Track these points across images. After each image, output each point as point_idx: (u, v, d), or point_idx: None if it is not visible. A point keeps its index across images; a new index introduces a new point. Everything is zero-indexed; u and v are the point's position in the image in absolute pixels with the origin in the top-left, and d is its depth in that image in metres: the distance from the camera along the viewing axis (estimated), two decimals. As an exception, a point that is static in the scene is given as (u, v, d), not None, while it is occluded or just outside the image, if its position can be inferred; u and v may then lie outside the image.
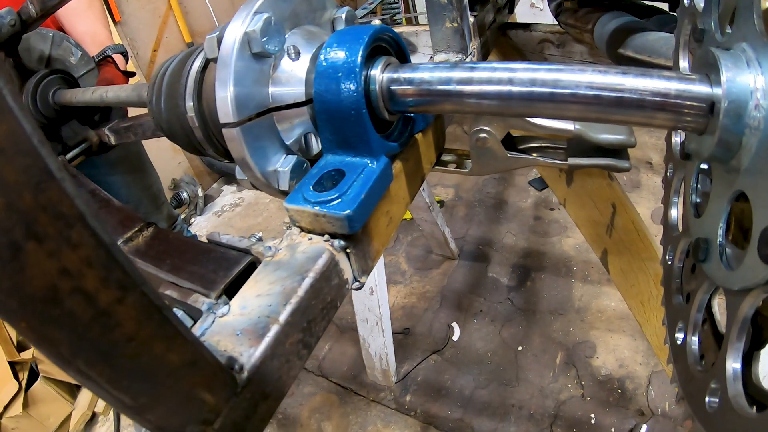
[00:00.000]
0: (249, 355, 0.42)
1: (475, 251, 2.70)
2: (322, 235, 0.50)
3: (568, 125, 0.64)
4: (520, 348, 2.21)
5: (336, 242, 0.49)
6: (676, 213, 0.67)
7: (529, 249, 2.63)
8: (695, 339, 0.54)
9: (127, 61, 1.61)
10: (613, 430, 1.86)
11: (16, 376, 2.26)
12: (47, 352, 0.25)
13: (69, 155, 1.30)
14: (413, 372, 2.22)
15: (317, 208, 0.47)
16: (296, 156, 0.55)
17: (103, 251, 0.26)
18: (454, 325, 2.36)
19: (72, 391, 2.50)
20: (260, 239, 0.57)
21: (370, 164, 0.50)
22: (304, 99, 0.53)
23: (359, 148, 0.51)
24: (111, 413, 2.44)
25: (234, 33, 0.50)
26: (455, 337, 2.32)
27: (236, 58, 0.49)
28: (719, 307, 0.53)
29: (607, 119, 0.47)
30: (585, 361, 2.09)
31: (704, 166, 0.56)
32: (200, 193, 3.63)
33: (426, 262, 2.71)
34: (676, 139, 0.66)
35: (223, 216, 3.62)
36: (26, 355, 2.36)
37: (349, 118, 0.49)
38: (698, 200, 0.57)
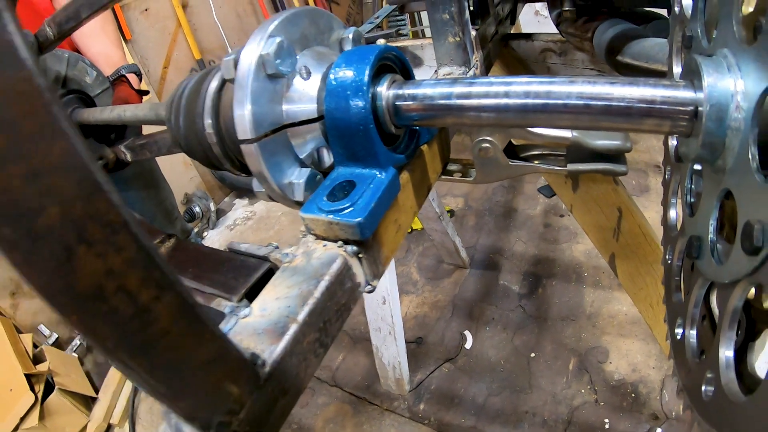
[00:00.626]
0: (270, 351, 0.45)
1: (485, 260, 2.72)
2: (335, 241, 0.53)
3: (566, 133, 0.67)
4: (532, 355, 2.22)
5: (349, 248, 0.52)
6: (674, 214, 0.70)
7: (540, 256, 2.65)
8: (693, 333, 0.57)
9: (140, 80, 1.67)
10: (627, 435, 1.87)
11: (32, 388, 2.29)
12: (94, 343, 0.28)
13: None
14: (426, 380, 2.24)
15: (331, 216, 0.51)
16: (309, 169, 0.59)
17: (144, 254, 0.29)
18: (467, 333, 2.38)
19: (87, 403, 2.54)
20: (277, 247, 0.61)
21: (378, 175, 0.54)
22: (316, 116, 0.57)
23: (368, 160, 0.54)
24: (126, 425, 2.47)
25: (250, 56, 0.54)
26: (468, 346, 2.33)
27: (252, 79, 0.53)
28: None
29: (598, 126, 0.51)
30: (598, 366, 2.10)
31: (697, 167, 0.59)
32: (212, 207, 3.69)
33: (437, 271, 2.74)
34: (672, 142, 0.69)
35: (236, 229, 3.67)
36: (42, 367, 2.41)
37: (358, 133, 0.53)
38: (692, 200, 0.60)
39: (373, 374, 2.28)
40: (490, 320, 2.40)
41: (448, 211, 2.93)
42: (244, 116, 0.53)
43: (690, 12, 0.58)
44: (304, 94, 0.58)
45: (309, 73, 0.58)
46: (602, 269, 2.45)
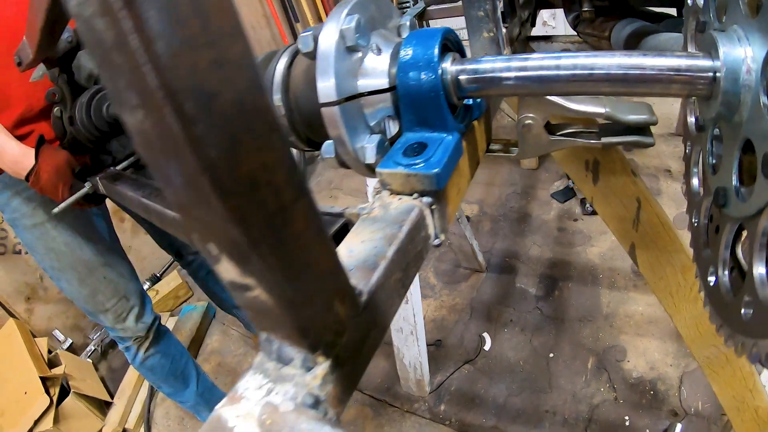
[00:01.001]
0: (365, 283, 0.49)
1: (502, 263, 2.83)
2: (410, 194, 0.64)
3: (599, 109, 0.78)
4: (551, 355, 2.30)
5: (424, 199, 0.62)
6: (697, 181, 0.80)
7: (555, 259, 2.75)
8: (726, 273, 0.66)
9: None
10: (647, 431, 1.95)
11: (47, 392, 2.37)
12: (242, 231, 0.29)
13: (119, 167, 1.43)
14: (447, 382, 2.32)
15: (408, 169, 0.62)
16: (379, 135, 0.70)
17: (289, 159, 0.32)
18: (485, 335, 2.47)
19: (102, 408, 2.62)
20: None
21: (446, 137, 0.65)
22: (387, 87, 0.68)
23: (436, 125, 0.65)
24: (142, 430, 2.54)
25: (332, 30, 0.64)
26: (487, 347, 2.42)
27: (335, 50, 0.64)
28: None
29: (633, 92, 0.62)
30: (616, 365, 2.19)
31: (716, 132, 0.70)
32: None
33: (454, 275, 2.84)
34: (691, 119, 0.80)
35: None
36: (58, 371, 2.50)
37: (428, 100, 0.64)
38: (714, 161, 0.70)
39: (392, 377, 2.37)
40: (508, 322, 2.50)
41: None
42: (328, 81, 0.64)
43: (702, 2, 0.69)
44: (375, 69, 0.69)
45: (380, 51, 0.69)
46: (617, 271, 2.55)
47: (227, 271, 0.33)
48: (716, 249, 0.69)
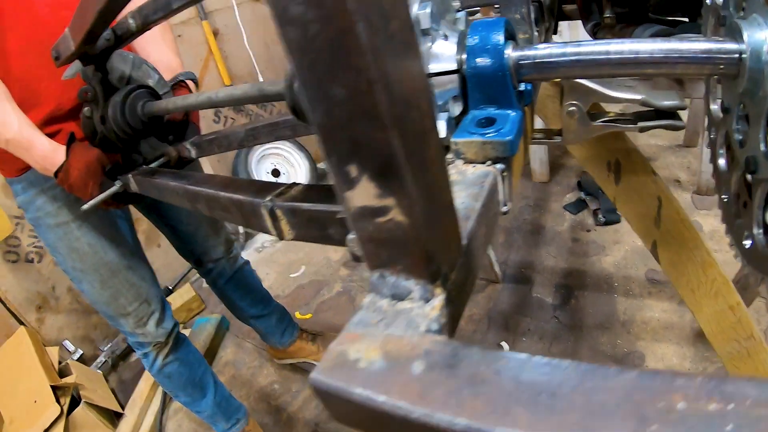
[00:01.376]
0: (464, 229, 0.52)
1: (517, 274, 2.94)
2: (483, 163, 0.76)
3: (636, 95, 0.92)
4: (570, 362, 2.40)
5: (498, 165, 0.74)
6: (723, 161, 0.93)
7: (570, 269, 2.87)
8: (761, 231, 0.77)
9: (197, 87, 1.78)
10: (670, 434, 2.04)
11: (57, 401, 2.41)
12: (400, 141, 0.33)
13: (152, 166, 1.49)
14: (466, 390, 2.41)
15: (483, 137, 0.74)
16: (447, 112, 0.83)
17: (427, 87, 0.37)
18: (504, 344, 2.57)
19: (112, 419, 2.67)
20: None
21: (511, 113, 0.78)
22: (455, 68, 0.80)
23: (502, 102, 0.78)
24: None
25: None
26: (505, 355, 2.52)
27: None
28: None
29: (673, 73, 0.76)
30: (635, 370, 2.29)
31: (739, 113, 0.83)
32: (241, 230, 3.91)
33: (469, 286, 2.95)
34: (714, 106, 0.93)
35: (264, 252, 3.87)
36: (69, 380, 2.56)
37: (496, 79, 0.77)
38: (741, 137, 0.84)
39: (411, 385, 2.45)
40: (526, 331, 2.60)
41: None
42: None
43: (721, 0, 0.83)
44: (444, 54, 0.81)
45: (446, 37, 0.83)
46: (632, 279, 2.68)
47: (363, 193, 0.36)
48: (749, 213, 0.81)
